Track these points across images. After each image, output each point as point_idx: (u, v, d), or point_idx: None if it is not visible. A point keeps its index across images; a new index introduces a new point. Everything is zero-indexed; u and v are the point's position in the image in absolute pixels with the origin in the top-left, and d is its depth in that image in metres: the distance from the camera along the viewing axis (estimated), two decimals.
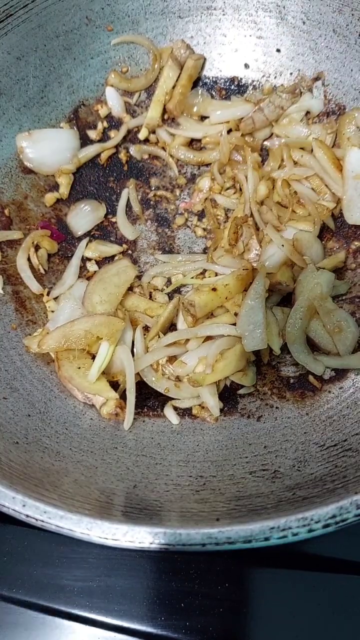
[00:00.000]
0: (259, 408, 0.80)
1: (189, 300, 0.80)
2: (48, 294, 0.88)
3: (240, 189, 0.95)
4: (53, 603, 0.74)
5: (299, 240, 0.86)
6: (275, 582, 0.74)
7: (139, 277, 0.92)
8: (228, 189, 0.97)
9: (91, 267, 0.93)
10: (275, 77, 0.97)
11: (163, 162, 1.01)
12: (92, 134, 0.99)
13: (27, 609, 0.74)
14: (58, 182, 0.95)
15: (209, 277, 0.90)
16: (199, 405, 0.80)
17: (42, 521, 0.55)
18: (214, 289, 0.80)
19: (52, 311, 0.86)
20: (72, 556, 0.75)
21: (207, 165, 0.99)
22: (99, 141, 0.99)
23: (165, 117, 1.00)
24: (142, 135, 1.00)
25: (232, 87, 1.00)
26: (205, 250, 0.95)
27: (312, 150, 0.91)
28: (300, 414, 0.78)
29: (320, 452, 0.70)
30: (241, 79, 0.99)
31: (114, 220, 0.97)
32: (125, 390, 0.78)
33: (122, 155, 1.00)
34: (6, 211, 0.90)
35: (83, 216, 0.95)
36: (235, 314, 0.80)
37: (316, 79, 0.94)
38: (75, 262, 0.91)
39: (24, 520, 0.56)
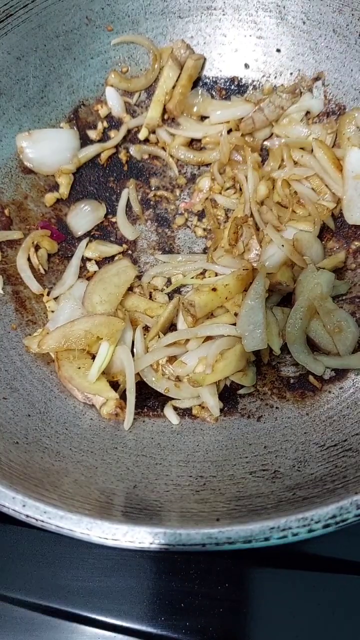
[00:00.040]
0: (259, 408, 0.80)
1: (189, 300, 0.80)
2: (48, 294, 0.88)
3: (240, 189, 0.95)
4: (53, 603, 0.74)
5: (299, 240, 0.86)
6: (275, 582, 0.74)
7: (139, 277, 0.92)
8: (228, 189, 0.97)
9: (91, 267, 0.93)
10: (275, 77, 0.97)
11: (163, 162, 1.01)
12: (92, 134, 0.99)
13: (27, 609, 0.74)
14: (58, 182, 0.95)
15: (209, 277, 0.90)
16: (199, 405, 0.80)
17: (42, 521, 0.55)
18: (214, 289, 0.80)
19: (52, 311, 0.86)
20: (72, 556, 0.75)
21: (207, 165, 0.99)
22: (99, 141, 0.99)
23: (165, 117, 1.00)
24: (142, 135, 1.00)
25: (232, 87, 1.00)
26: (205, 250, 0.95)
27: (312, 150, 0.91)
28: (300, 414, 0.78)
29: (321, 452, 0.70)
30: (241, 79, 0.99)
31: (114, 220, 0.97)
32: (125, 390, 0.78)
33: (122, 155, 1.00)
34: (6, 211, 0.90)
35: (83, 216, 0.95)
36: (235, 314, 0.80)
37: (316, 79, 0.94)
38: (75, 262, 0.91)
39: (24, 520, 0.56)
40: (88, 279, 0.89)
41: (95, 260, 0.94)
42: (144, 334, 0.84)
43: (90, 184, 0.99)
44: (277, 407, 0.80)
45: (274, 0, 0.93)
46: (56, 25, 0.91)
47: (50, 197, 0.94)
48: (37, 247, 0.90)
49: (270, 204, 0.93)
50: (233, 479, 0.69)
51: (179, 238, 0.97)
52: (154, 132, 1.00)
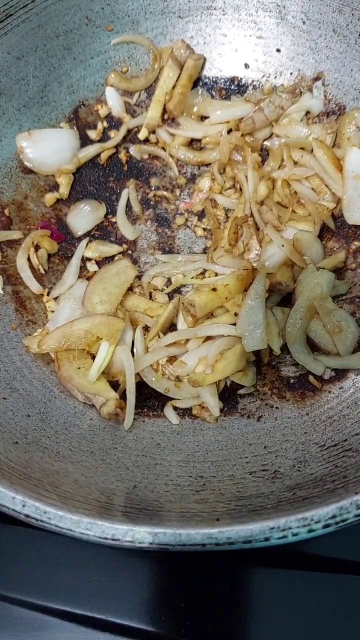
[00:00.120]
0: (259, 408, 0.80)
1: (189, 300, 0.80)
2: (48, 294, 0.88)
3: (240, 189, 0.95)
4: (53, 603, 0.74)
5: (299, 240, 0.86)
6: (275, 582, 0.74)
7: (139, 277, 0.92)
8: (228, 189, 0.97)
9: (91, 267, 0.93)
10: (275, 77, 0.97)
11: (163, 162, 1.01)
12: (92, 134, 0.99)
13: (27, 609, 0.74)
14: (58, 182, 0.95)
15: (209, 277, 0.90)
16: (199, 405, 0.80)
17: (42, 521, 0.55)
18: (214, 289, 0.80)
19: (52, 311, 0.86)
20: (72, 556, 0.75)
21: (207, 165, 0.99)
22: (99, 141, 0.99)
23: (165, 117, 1.00)
24: (142, 135, 1.00)
25: (232, 87, 1.00)
26: (205, 250, 0.95)
27: (312, 150, 0.91)
28: (300, 414, 0.78)
29: (321, 452, 0.70)
30: (241, 79, 0.99)
31: (114, 220, 0.97)
32: (125, 390, 0.78)
33: (122, 155, 1.00)
34: (6, 211, 0.90)
35: (83, 216, 0.95)
36: (235, 314, 0.80)
37: (316, 79, 0.94)
38: (75, 262, 0.91)
39: (23, 520, 0.55)
40: (88, 279, 0.89)
41: (95, 260, 0.94)
42: (144, 334, 0.84)
43: (90, 184, 0.99)
44: (277, 407, 0.80)
45: (274, 0, 0.93)
46: (56, 25, 0.91)
47: (50, 197, 0.94)
48: (37, 247, 0.90)
49: (270, 204, 0.93)
50: (233, 479, 0.69)
51: (179, 238, 0.97)
52: (154, 132, 1.00)
